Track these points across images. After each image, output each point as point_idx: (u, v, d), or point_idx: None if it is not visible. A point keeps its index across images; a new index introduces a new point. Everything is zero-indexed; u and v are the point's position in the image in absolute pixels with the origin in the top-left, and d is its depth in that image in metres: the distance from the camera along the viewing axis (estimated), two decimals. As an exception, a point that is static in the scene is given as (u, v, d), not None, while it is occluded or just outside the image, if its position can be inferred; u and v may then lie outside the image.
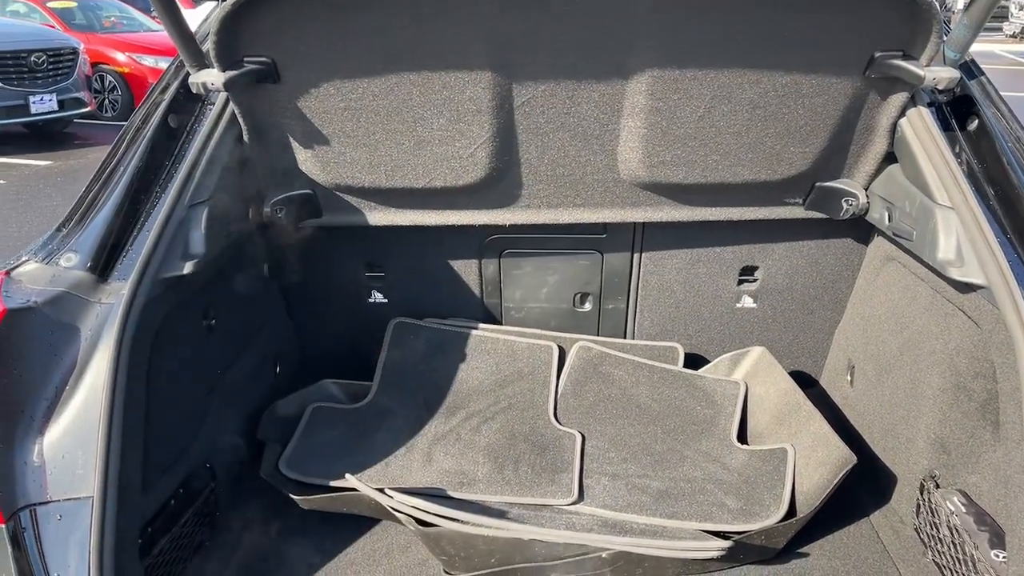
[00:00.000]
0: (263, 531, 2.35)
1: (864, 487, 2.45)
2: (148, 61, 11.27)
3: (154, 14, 2.24)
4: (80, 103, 10.18)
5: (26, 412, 1.80)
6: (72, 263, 2.01)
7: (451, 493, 2.31)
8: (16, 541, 1.72)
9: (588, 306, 2.93)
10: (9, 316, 1.83)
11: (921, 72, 2.07)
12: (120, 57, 11.41)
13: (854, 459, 2.20)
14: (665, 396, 2.71)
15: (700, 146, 2.31)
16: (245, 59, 2.14)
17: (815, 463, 2.31)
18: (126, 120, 2.29)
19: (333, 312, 2.95)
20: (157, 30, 12.18)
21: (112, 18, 12.47)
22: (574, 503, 2.30)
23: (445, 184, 2.42)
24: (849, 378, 2.76)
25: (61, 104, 9.87)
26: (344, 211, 2.58)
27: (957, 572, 2.05)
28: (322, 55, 2.14)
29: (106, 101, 11.60)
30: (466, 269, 2.85)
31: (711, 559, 2.12)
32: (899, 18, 2.05)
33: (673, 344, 2.90)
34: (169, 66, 2.37)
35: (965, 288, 2.02)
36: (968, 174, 2.08)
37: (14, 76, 9.34)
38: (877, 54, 2.13)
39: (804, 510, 2.23)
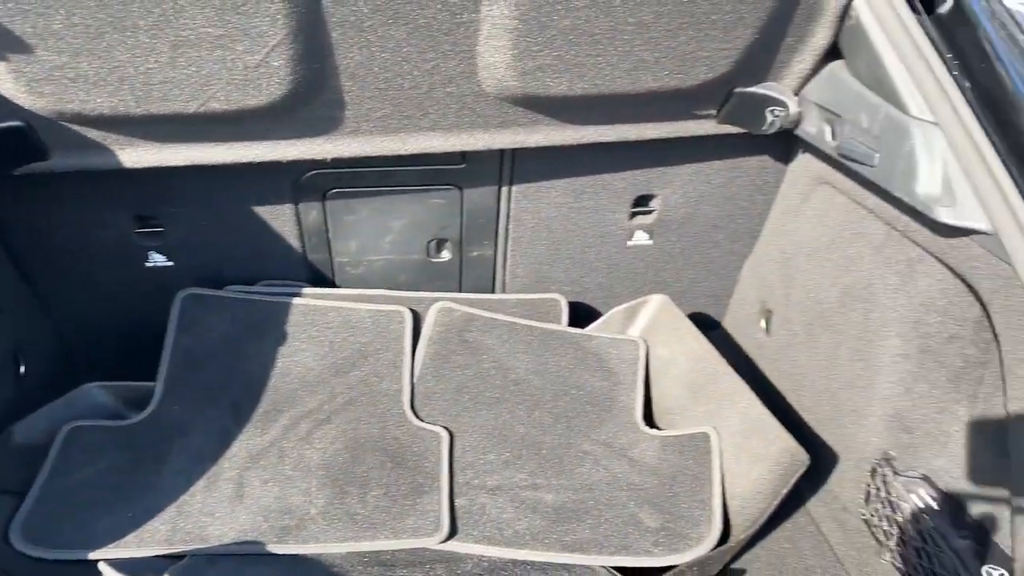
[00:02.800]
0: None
1: None
2: None
3: None
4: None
5: None
6: None
7: (272, 547, 1.65)
8: None
9: (446, 255, 2.27)
10: None
11: None
12: None
13: (807, 459, 1.72)
14: (550, 366, 2.13)
15: (592, 43, 1.66)
16: None
17: (749, 457, 1.82)
18: None
19: (95, 284, 2.14)
20: None
21: None
22: (446, 540, 1.71)
23: (229, 107, 1.65)
24: (764, 325, 2.28)
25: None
26: (83, 150, 1.76)
27: (931, 587, 1.63)
28: None
29: None
30: (278, 217, 2.10)
31: None
32: None
33: (554, 296, 2.32)
34: None
35: (948, 231, 1.52)
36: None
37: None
38: None
39: (741, 521, 1.75)
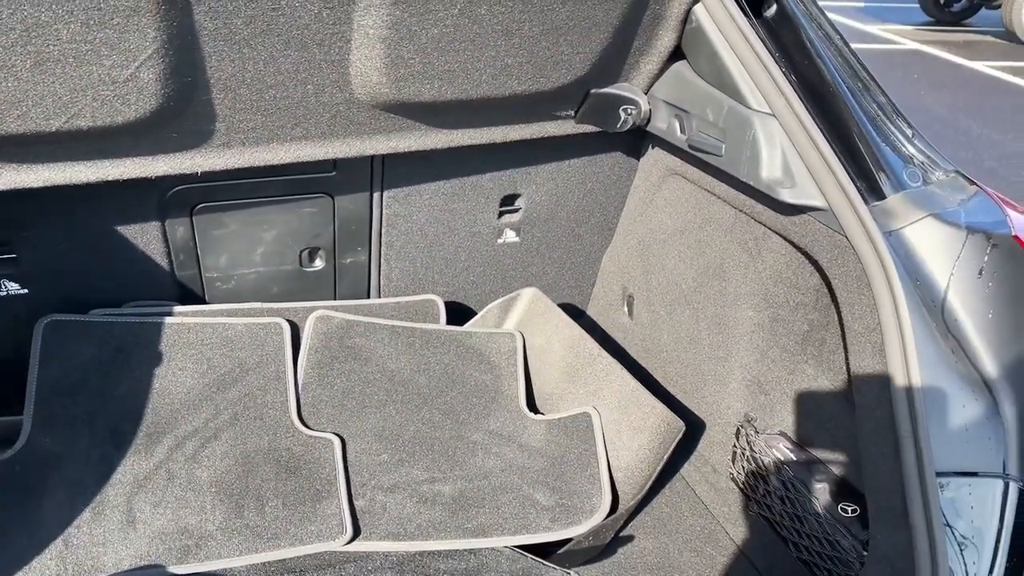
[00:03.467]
0: None
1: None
2: None
3: None
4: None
5: None
6: None
7: (174, 569, 1.62)
8: None
9: (320, 263, 2.28)
10: None
11: None
12: None
13: (682, 426, 1.88)
14: (433, 365, 2.19)
15: (460, 51, 1.74)
16: None
17: (629, 430, 1.95)
18: None
19: None
20: None
21: None
22: (351, 541, 1.73)
23: (95, 123, 1.60)
24: (627, 310, 2.45)
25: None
26: None
27: (793, 530, 1.83)
28: None
29: None
30: (143, 235, 2.04)
31: None
32: None
33: (430, 296, 2.37)
34: None
35: (790, 210, 1.71)
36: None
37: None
38: None
39: (628, 490, 1.88)
